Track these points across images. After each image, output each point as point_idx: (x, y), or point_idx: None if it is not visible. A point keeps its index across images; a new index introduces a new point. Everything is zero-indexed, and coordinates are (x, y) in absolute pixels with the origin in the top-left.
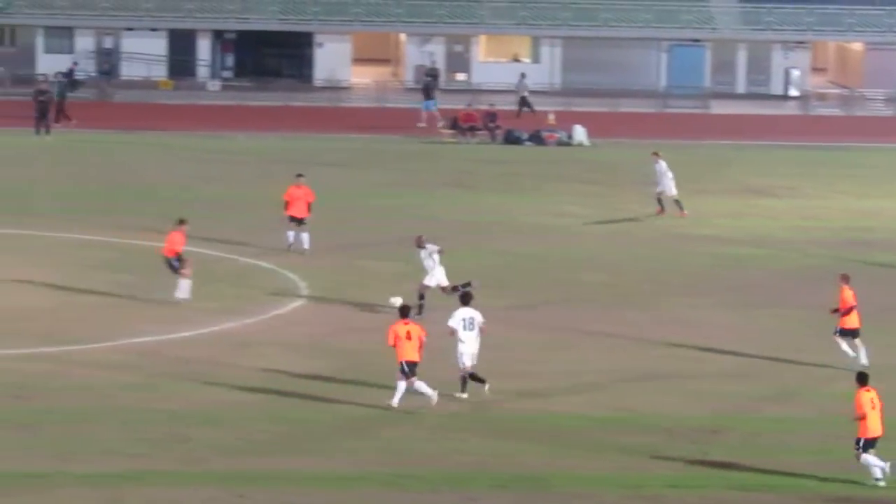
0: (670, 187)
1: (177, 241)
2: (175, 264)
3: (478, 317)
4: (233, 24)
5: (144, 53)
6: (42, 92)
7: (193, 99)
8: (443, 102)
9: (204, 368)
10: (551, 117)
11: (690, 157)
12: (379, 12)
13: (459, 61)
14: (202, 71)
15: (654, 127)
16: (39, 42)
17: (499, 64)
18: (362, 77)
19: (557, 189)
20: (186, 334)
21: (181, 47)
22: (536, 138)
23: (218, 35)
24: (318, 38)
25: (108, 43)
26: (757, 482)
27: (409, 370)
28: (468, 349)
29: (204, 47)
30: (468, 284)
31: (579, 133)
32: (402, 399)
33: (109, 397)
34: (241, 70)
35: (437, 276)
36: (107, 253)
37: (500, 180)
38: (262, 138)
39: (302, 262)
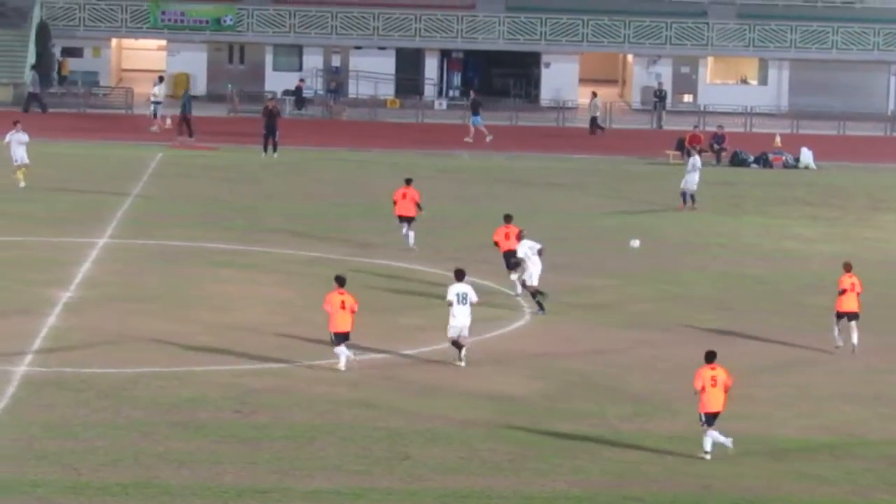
0: (693, 183)
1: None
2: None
3: (471, 293)
4: (461, 44)
5: (372, 72)
6: (272, 109)
7: (420, 117)
8: (669, 124)
9: (426, 386)
10: (778, 140)
11: None
12: (607, 33)
13: (686, 82)
14: (429, 90)
15: (881, 150)
16: (268, 60)
17: (726, 86)
18: (589, 97)
19: (783, 212)
20: (409, 352)
21: (409, 66)
22: (763, 161)
23: (446, 54)
24: (545, 58)
25: (336, 61)
26: None
27: (339, 340)
28: (458, 322)
29: (431, 66)
30: (542, 295)
31: (806, 156)
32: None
33: (331, 413)
34: (468, 89)
35: (532, 273)
36: (334, 270)
37: (726, 202)
38: (487, 157)
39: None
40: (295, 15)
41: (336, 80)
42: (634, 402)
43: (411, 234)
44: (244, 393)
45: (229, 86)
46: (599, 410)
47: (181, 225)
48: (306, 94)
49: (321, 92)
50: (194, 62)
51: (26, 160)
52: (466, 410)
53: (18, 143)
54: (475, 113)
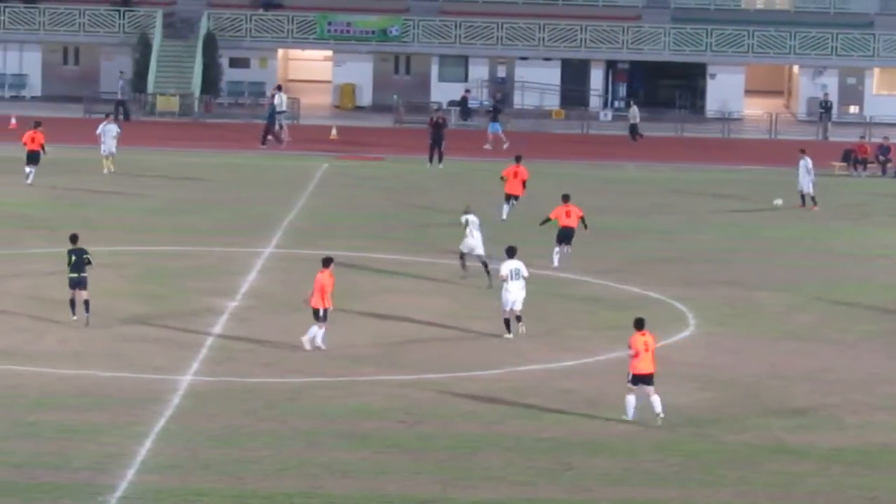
0: (807, 184)
1: None
2: None
3: (522, 269)
4: (626, 55)
5: (537, 82)
6: (439, 119)
7: (585, 128)
8: (835, 135)
9: (589, 397)
10: None
11: None
12: (773, 44)
13: (852, 94)
14: (594, 101)
15: None
16: (434, 70)
17: (892, 97)
18: (754, 108)
19: None
20: (571, 363)
21: (574, 77)
22: None
23: (611, 65)
24: (710, 69)
25: (501, 72)
26: None
27: (323, 316)
28: (511, 297)
29: (597, 77)
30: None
31: None
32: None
33: (495, 424)
34: (633, 100)
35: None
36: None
37: (890, 214)
38: (653, 168)
39: (690, 293)
40: (461, 26)
41: (501, 90)
42: (799, 414)
43: (505, 207)
44: (408, 403)
45: (395, 96)
46: (764, 422)
47: (346, 235)
48: (472, 104)
49: (486, 102)
50: (360, 73)
51: (113, 150)
52: (631, 420)
53: (109, 135)
54: (494, 119)
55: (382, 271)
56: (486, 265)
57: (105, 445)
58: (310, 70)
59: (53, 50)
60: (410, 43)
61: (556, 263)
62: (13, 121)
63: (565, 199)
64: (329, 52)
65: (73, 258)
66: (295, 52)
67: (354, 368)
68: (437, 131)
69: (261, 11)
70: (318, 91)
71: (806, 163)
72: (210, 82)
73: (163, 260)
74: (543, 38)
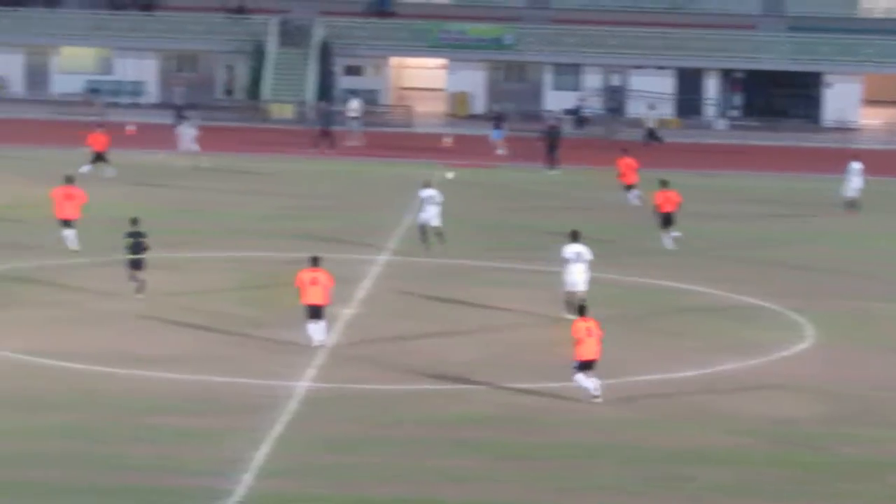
0: (851, 188)
1: None
2: None
3: (585, 252)
4: (742, 64)
5: (651, 92)
6: (552, 128)
7: (699, 138)
8: None
9: (705, 408)
10: None
11: None
12: (891, 53)
13: None
14: (709, 110)
15: None
16: (548, 79)
17: None
18: (872, 118)
19: None
20: (686, 374)
21: (688, 86)
22: None
23: (726, 74)
24: (827, 79)
25: (615, 80)
26: None
27: (316, 313)
28: (573, 278)
29: (711, 86)
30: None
31: None
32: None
33: (609, 433)
34: (749, 110)
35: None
36: (610, 289)
37: None
38: (768, 178)
39: (807, 304)
40: (574, 34)
41: (615, 99)
42: None
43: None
44: (522, 411)
45: (507, 105)
46: (882, 435)
47: (460, 242)
48: (586, 113)
49: (601, 111)
50: (473, 81)
51: (194, 148)
52: (746, 433)
53: (188, 136)
54: (497, 127)
55: (495, 279)
56: (441, 235)
57: (222, 450)
58: (422, 78)
59: (170, 57)
60: (524, 51)
61: (670, 245)
62: (131, 128)
63: (664, 184)
64: (443, 61)
65: (132, 240)
66: (408, 60)
67: (468, 376)
68: (552, 139)
69: (374, 20)
70: (431, 99)
71: (850, 167)
72: (324, 90)
73: (277, 266)
74: (658, 48)
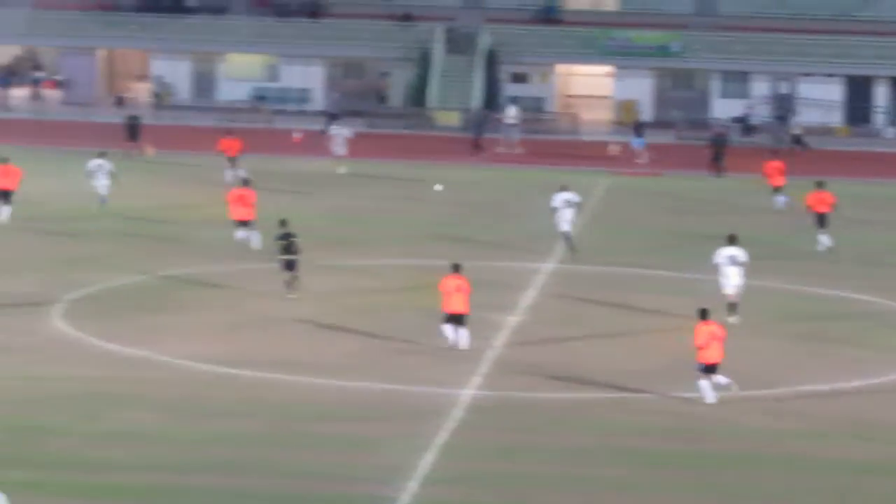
0: None
1: None
2: None
3: (740, 255)
4: None
5: (820, 99)
6: (719, 135)
7: (868, 146)
8: None
9: (869, 419)
10: None
11: None
12: None
13: None
14: (878, 118)
15: None
16: (715, 86)
17: None
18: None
19: None
20: (857, 383)
21: (858, 93)
22: None
23: None
24: None
25: (783, 88)
26: None
27: (456, 320)
28: (729, 281)
29: (881, 94)
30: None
31: None
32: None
33: (775, 445)
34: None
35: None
36: (775, 300)
37: None
38: None
39: None
40: (742, 41)
41: (784, 107)
42: None
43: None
44: (689, 421)
45: (676, 112)
46: None
47: (625, 251)
48: (754, 121)
49: (769, 119)
50: (640, 88)
51: (341, 152)
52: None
53: (340, 137)
54: (638, 135)
55: (661, 287)
56: (570, 241)
57: (387, 457)
58: (589, 86)
59: (336, 64)
60: (690, 59)
61: (822, 246)
62: (297, 135)
63: (819, 185)
64: (609, 68)
65: (284, 242)
66: (575, 68)
67: (634, 384)
68: (719, 147)
69: (540, 27)
70: (597, 106)
71: None
72: (490, 97)
73: (440, 273)
74: (827, 55)
